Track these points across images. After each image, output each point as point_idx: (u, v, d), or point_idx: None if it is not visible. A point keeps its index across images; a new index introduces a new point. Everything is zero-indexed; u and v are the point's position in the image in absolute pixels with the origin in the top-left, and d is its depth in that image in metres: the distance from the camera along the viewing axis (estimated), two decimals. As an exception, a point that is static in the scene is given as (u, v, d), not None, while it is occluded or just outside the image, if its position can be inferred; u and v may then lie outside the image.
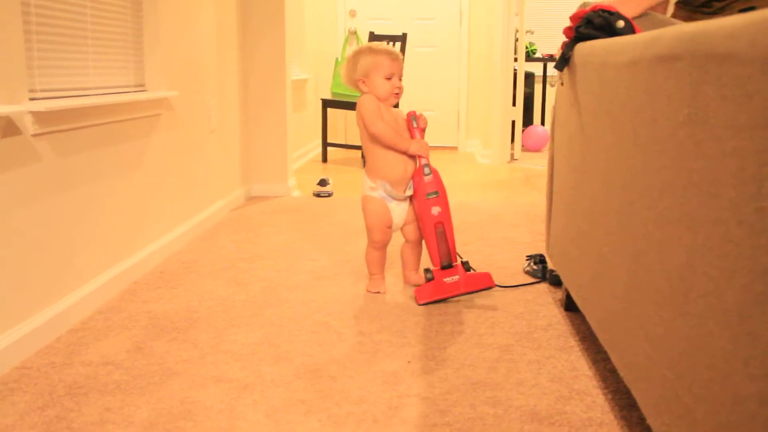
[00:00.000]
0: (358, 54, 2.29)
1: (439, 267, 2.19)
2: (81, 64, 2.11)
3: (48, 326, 1.83)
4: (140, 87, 2.54)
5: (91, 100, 2.03)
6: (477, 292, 2.20)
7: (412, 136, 2.29)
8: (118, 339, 1.86)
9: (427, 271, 2.20)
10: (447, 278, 2.17)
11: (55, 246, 1.90)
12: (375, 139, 2.23)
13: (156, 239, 2.59)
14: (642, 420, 1.43)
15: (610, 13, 1.69)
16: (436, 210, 2.19)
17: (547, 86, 6.75)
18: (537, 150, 6.23)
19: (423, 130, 2.31)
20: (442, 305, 2.14)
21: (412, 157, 2.26)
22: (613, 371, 1.67)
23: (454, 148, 6.67)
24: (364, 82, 2.28)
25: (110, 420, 1.43)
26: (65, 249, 1.95)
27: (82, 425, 1.41)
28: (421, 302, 2.15)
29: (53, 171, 1.88)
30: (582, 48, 1.74)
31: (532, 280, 2.41)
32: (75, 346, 1.81)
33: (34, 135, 1.79)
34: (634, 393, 1.26)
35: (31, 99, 1.81)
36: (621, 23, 1.66)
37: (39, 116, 1.78)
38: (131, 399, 1.52)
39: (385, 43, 2.30)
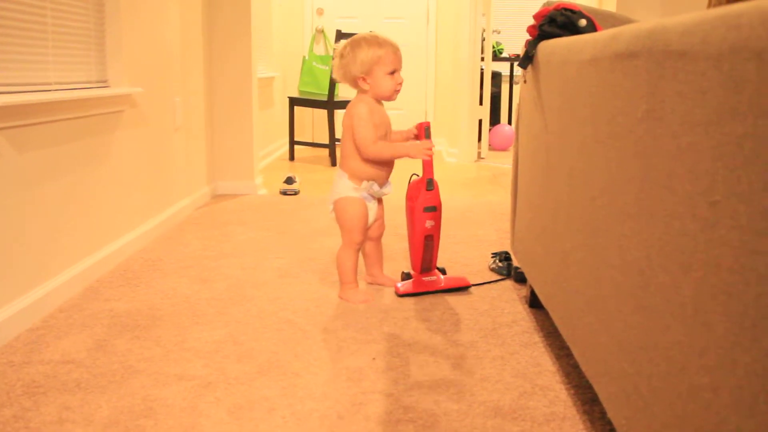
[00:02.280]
0: (357, 47, 2.08)
1: (418, 272, 2.25)
2: (41, 59, 2.07)
3: (7, 324, 1.80)
4: (102, 83, 2.50)
5: (51, 96, 1.99)
6: (453, 290, 2.24)
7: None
8: (79, 337, 1.83)
9: (407, 274, 2.27)
10: (426, 277, 2.24)
11: (15, 243, 1.87)
12: (374, 151, 2.10)
13: (119, 237, 2.56)
14: (604, 414, 1.45)
15: (573, 11, 1.71)
16: (429, 224, 2.19)
17: (514, 85, 6.81)
18: (504, 149, 6.27)
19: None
20: (408, 303, 2.14)
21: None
22: (576, 366, 1.69)
23: (422, 147, 6.68)
24: (364, 79, 2.09)
25: (69, 419, 1.41)
26: (25, 246, 1.92)
27: (39, 425, 1.38)
28: (402, 293, 2.18)
29: (12, 167, 1.85)
30: (545, 46, 1.76)
31: (497, 277, 2.43)
32: (34, 345, 1.78)
33: (-8, 130, 1.75)
34: (596, 387, 1.27)
35: (-11, 93, 1.77)
36: (583, 22, 1.68)
37: (-3, 111, 1.75)
38: (91, 398, 1.50)
39: (372, 32, 2.16)
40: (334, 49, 2.18)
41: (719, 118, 0.77)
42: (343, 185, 2.16)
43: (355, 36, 2.15)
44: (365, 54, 2.07)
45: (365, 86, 2.11)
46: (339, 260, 2.20)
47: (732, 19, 0.74)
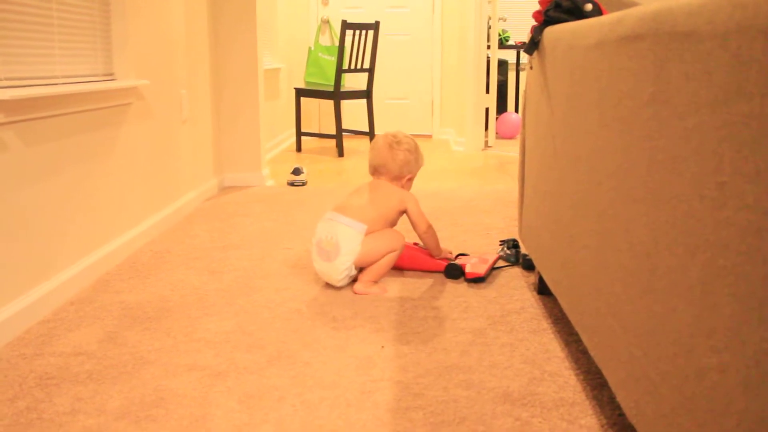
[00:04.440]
0: (419, 153, 2.36)
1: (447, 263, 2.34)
2: (47, 52, 2.08)
3: (18, 317, 1.81)
4: (109, 76, 2.51)
5: (58, 89, 2.00)
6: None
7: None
8: (90, 329, 1.84)
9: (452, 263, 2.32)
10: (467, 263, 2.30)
11: (25, 237, 1.88)
12: (426, 230, 2.28)
13: (128, 230, 2.57)
14: (612, 399, 1.45)
15: (578, -4, 1.70)
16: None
17: (521, 73, 6.78)
18: (511, 137, 6.26)
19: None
20: (416, 291, 2.15)
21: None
22: (585, 352, 1.69)
23: (429, 136, 6.68)
24: (410, 179, 2.35)
25: (81, 410, 1.42)
26: (35, 240, 1.93)
27: (53, 415, 1.40)
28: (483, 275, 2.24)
29: (20, 161, 1.86)
30: (551, 32, 1.75)
31: (506, 264, 2.42)
32: (46, 337, 1.79)
33: (0, 124, 1.76)
34: (604, 372, 1.27)
35: (-4, 88, 1.78)
36: (589, 6, 1.67)
37: (4, 105, 1.75)
38: (103, 388, 1.51)
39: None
40: (394, 136, 2.35)
41: (726, 98, 0.76)
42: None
43: (413, 144, 2.38)
44: (418, 162, 2.38)
45: (406, 185, 2.36)
46: (386, 262, 2.20)
47: (737, -2, 0.74)
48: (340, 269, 2.12)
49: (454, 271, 2.26)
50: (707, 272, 0.81)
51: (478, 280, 2.21)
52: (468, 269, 2.23)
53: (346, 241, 2.11)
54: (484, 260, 2.31)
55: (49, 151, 2.00)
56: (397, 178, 2.32)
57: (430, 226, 2.30)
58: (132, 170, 2.61)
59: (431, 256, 2.34)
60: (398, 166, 2.30)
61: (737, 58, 0.74)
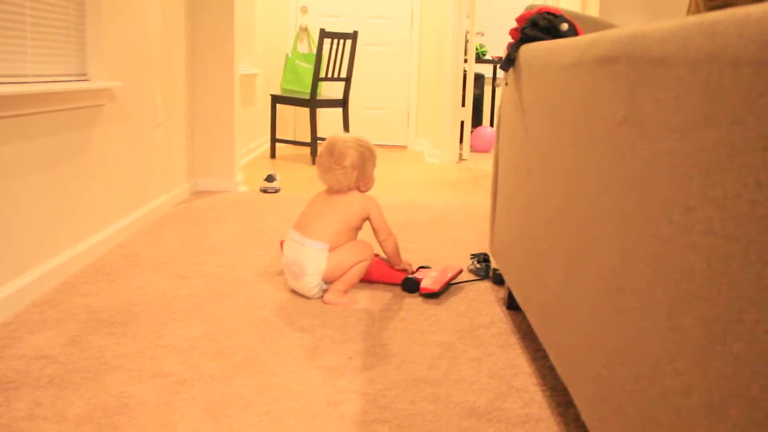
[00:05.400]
0: (366, 156, 2.27)
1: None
2: (19, 50, 2.05)
3: (-21, 319, 1.78)
4: (82, 76, 2.48)
5: (29, 88, 1.97)
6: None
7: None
8: (54, 332, 1.81)
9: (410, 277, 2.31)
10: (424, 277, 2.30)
11: (-11, 236, 1.84)
12: (386, 238, 2.27)
13: (97, 232, 2.53)
14: (578, 417, 1.46)
15: (555, 15, 1.72)
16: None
17: (497, 88, 6.83)
18: (485, 151, 6.30)
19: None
20: (386, 303, 2.15)
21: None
22: (552, 369, 1.70)
23: (404, 147, 6.70)
24: (366, 181, 2.30)
25: (41, 415, 1.39)
26: (1, 239, 1.90)
27: (10, 420, 1.37)
28: (437, 290, 2.22)
29: (-12, 159, 1.83)
30: (527, 49, 1.77)
31: (476, 278, 2.43)
32: (7, 340, 1.76)
33: (-32, 121, 1.73)
34: (570, 390, 1.28)
35: (-34, 84, 1.75)
36: (565, 26, 1.69)
37: (-27, 102, 1.73)
38: (64, 394, 1.49)
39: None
40: (331, 153, 2.26)
41: (695, 124, 0.78)
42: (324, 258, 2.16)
43: (350, 142, 2.28)
44: (373, 158, 2.32)
45: (365, 186, 2.32)
46: (355, 272, 2.20)
47: (709, 26, 0.75)
48: (309, 287, 2.15)
49: (411, 285, 2.26)
50: (673, 295, 0.82)
51: (432, 295, 2.21)
52: (423, 284, 2.22)
53: (310, 263, 2.12)
54: (443, 274, 2.30)
55: (18, 151, 1.97)
56: (351, 189, 2.27)
57: (391, 234, 2.29)
58: (103, 172, 2.58)
59: (391, 268, 2.33)
60: (344, 184, 2.24)
61: (707, 86, 0.75)
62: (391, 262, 2.32)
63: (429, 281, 2.23)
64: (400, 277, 2.30)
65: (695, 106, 0.78)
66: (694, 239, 0.77)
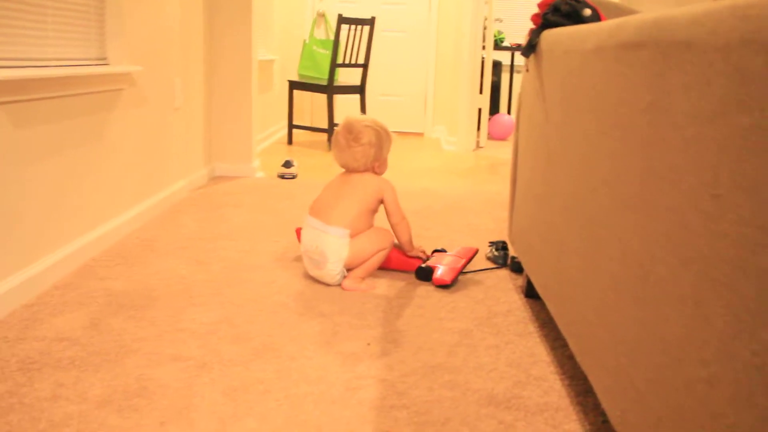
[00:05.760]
0: (383, 138, 2.27)
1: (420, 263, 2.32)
2: (40, 33, 2.05)
3: (2, 301, 1.79)
4: (102, 60, 2.49)
5: (50, 71, 1.98)
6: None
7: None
8: (74, 315, 1.83)
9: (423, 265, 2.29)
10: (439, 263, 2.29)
11: (11, 219, 1.86)
12: (399, 221, 2.25)
13: (116, 216, 2.55)
14: (597, 405, 1.45)
15: (577, 0, 1.70)
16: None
17: (514, 75, 6.79)
18: (502, 138, 6.27)
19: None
20: (404, 290, 2.14)
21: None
22: (571, 357, 1.69)
23: (420, 134, 6.68)
24: (381, 164, 2.30)
25: (63, 396, 1.41)
26: (21, 223, 1.91)
27: (33, 401, 1.38)
28: (449, 282, 2.20)
29: (9, 143, 1.84)
30: (548, 35, 1.75)
31: (494, 266, 2.43)
32: (29, 321, 1.77)
33: (-10, 105, 1.74)
34: (591, 379, 1.27)
35: (-12, 68, 1.76)
36: (588, 11, 1.67)
37: (-5, 86, 1.74)
38: (85, 375, 1.50)
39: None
40: (350, 131, 2.26)
41: (725, 110, 0.76)
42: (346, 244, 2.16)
43: (367, 121, 2.29)
44: (389, 141, 2.32)
45: (380, 169, 2.32)
46: (375, 260, 2.21)
47: (741, 10, 0.73)
48: (331, 275, 2.14)
49: (425, 274, 2.24)
50: (700, 284, 0.81)
51: (444, 286, 2.19)
52: (437, 274, 2.20)
53: (331, 250, 2.12)
54: (457, 260, 2.29)
55: (39, 134, 1.98)
56: (367, 169, 2.28)
57: (404, 218, 2.27)
58: (122, 157, 2.59)
59: (405, 255, 2.32)
60: (361, 162, 2.25)
61: (738, 70, 0.74)
62: (403, 248, 2.31)
63: (442, 271, 2.22)
64: (414, 265, 2.30)
65: (726, 92, 0.76)
66: (723, 228, 0.76)
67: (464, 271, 2.32)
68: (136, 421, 1.33)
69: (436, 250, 2.42)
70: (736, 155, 0.74)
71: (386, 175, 2.39)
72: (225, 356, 1.63)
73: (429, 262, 2.28)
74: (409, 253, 2.31)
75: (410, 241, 2.30)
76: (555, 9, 1.75)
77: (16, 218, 1.88)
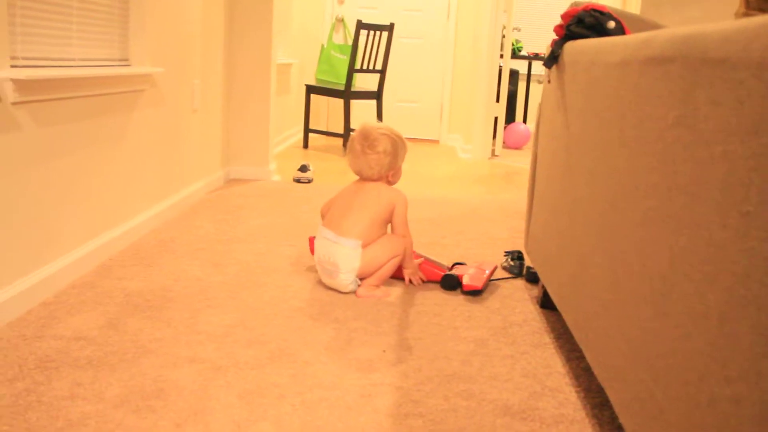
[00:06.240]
0: (398, 147, 2.27)
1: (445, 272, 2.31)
2: (65, 33, 2.07)
3: (20, 298, 1.81)
4: (124, 61, 2.50)
5: (74, 71, 2.00)
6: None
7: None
8: (91, 314, 1.84)
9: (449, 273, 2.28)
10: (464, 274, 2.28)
11: (31, 218, 1.87)
12: (399, 240, 2.21)
13: (133, 216, 2.56)
14: (613, 419, 1.45)
15: (602, 13, 1.70)
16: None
17: (531, 84, 6.78)
18: (518, 147, 6.26)
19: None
20: (419, 297, 2.14)
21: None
22: (587, 369, 1.69)
23: (436, 142, 6.68)
24: (395, 173, 2.30)
25: (80, 395, 1.41)
26: (40, 221, 1.92)
27: (51, 399, 1.39)
28: (480, 287, 2.20)
29: (32, 141, 1.85)
30: (572, 47, 1.75)
31: (509, 275, 2.42)
32: (47, 320, 1.78)
33: (14, 103, 1.76)
34: (608, 392, 1.27)
35: (12, 66, 1.78)
36: (612, 24, 1.67)
37: (20, 84, 1.75)
38: (103, 375, 1.51)
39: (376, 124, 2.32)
40: (366, 138, 2.25)
41: (756, 129, 0.76)
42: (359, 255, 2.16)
43: (383, 129, 2.28)
44: (404, 150, 2.32)
45: (394, 178, 2.32)
46: (388, 267, 2.19)
47: (775, 28, 0.73)
48: (344, 284, 2.14)
49: (451, 282, 2.24)
50: (726, 301, 0.81)
51: (475, 293, 2.20)
52: (466, 281, 2.21)
53: (344, 261, 2.12)
54: (482, 270, 2.28)
55: (60, 133, 2.00)
56: (381, 177, 2.27)
57: (406, 235, 2.23)
58: (141, 157, 2.60)
59: (432, 264, 2.30)
60: (376, 170, 2.24)
61: (772, 88, 0.73)
62: (403, 263, 2.26)
63: (470, 278, 2.21)
64: (438, 275, 2.28)
65: (756, 110, 0.76)
66: (750, 244, 0.76)
67: (490, 279, 2.32)
68: (153, 422, 1.34)
69: (456, 263, 2.40)
70: (766, 173, 0.73)
71: (401, 182, 2.38)
72: (241, 359, 1.63)
73: (452, 272, 2.26)
74: (405, 269, 2.26)
75: (410, 256, 2.25)
76: (579, 20, 1.75)
77: (35, 216, 1.90)
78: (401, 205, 2.22)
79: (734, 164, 0.81)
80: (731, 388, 0.79)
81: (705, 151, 0.89)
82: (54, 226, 2.00)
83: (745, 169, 0.78)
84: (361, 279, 2.17)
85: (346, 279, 2.12)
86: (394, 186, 2.31)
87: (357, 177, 2.31)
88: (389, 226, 2.25)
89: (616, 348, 1.22)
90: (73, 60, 2.13)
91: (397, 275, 2.29)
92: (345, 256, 2.11)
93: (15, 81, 1.73)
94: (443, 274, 2.26)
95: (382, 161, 2.23)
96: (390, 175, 2.28)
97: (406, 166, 2.29)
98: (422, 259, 2.31)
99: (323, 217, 2.29)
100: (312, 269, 2.35)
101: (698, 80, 0.92)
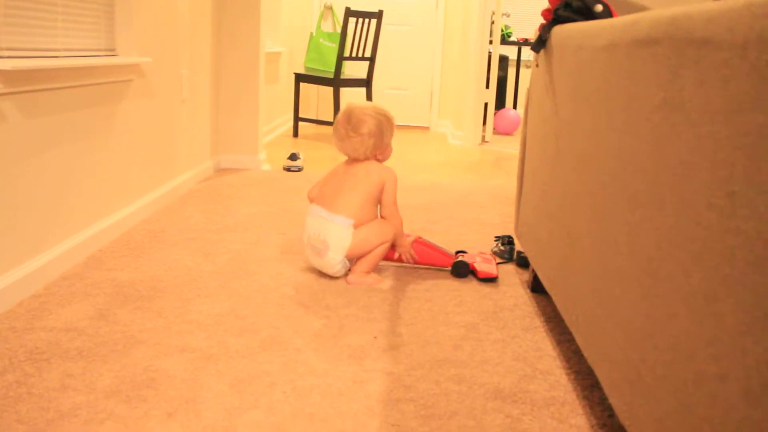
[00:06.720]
0: (384, 125, 2.24)
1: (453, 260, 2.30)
2: (50, 24, 2.06)
3: (9, 291, 1.80)
4: (111, 51, 2.49)
5: (60, 62, 1.98)
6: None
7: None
8: (82, 306, 1.83)
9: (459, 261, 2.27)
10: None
11: (19, 209, 1.86)
12: (391, 214, 2.21)
13: (122, 207, 2.55)
14: (603, 400, 1.46)
15: (589, -4, 1.69)
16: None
17: (521, 70, 6.78)
18: (508, 133, 6.26)
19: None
20: (410, 283, 2.15)
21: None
22: (577, 352, 1.69)
23: (426, 128, 6.68)
24: (384, 151, 2.27)
25: (71, 386, 1.41)
26: (30, 214, 1.91)
27: (42, 391, 1.39)
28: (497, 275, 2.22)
29: (18, 133, 1.84)
30: (560, 30, 1.75)
31: (500, 260, 2.43)
32: (37, 312, 1.78)
33: (0, 95, 1.74)
34: (597, 373, 1.28)
35: (-2, 57, 1.76)
36: (599, 7, 1.67)
37: (5, 75, 1.74)
38: (93, 366, 1.50)
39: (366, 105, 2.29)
40: (348, 121, 2.23)
41: (741, 108, 0.76)
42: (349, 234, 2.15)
43: (368, 109, 2.25)
44: (392, 127, 2.30)
45: (382, 156, 2.29)
46: (378, 253, 2.18)
47: (758, 8, 0.73)
48: (332, 264, 2.13)
49: (462, 269, 2.23)
50: (712, 279, 0.81)
51: (490, 279, 2.20)
52: (481, 268, 2.20)
53: (334, 238, 2.11)
54: (487, 259, 2.29)
55: (47, 125, 1.98)
56: (368, 158, 2.25)
57: (396, 213, 2.22)
58: (130, 148, 2.59)
59: (441, 252, 2.29)
60: (361, 152, 2.22)
61: (756, 68, 0.73)
62: (394, 241, 2.24)
63: (484, 265, 2.22)
64: (448, 262, 2.27)
65: (741, 89, 0.76)
66: (736, 224, 0.76)
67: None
68: (145, 411, 1.34)
69: (459, 252, 2.38)
70: (752, 153, 0.74)
71: (391, 162, 2.36)
72: (232, 348, 1.63)
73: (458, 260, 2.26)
74: (398, 249, 2.26)
75: (402, 236, 2.25)
76: (566, 5, 1.75)
77: (24, 208, 1.89)
78: (391, 182, 2.21)
79: (719, 144, 0.81)
80: (717, 366, 0.79)
81: (691, 132, 0.90)
82: (43, 218, 1.99)
83: (730, 149, 0.79)
84: (349, 260, 2.17)
85: (334, 258, 2.12)
86: (384, 163, 2.30)
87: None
88: (380, 207, 2.24)
89: (605, 329, 1.23)
90: (59, 50, 2.11)
91: (388, 257, 2.29)
92: (336, 234, 2.11)
93: (0, 72, 1.72)
94: (453, 261, 2.25)
95: (367, 143, 2.21)
96: (378, 153, 2.26)
97: (396, 153, 2.29)
98: (414, 237, 2.30)
99: (311, 200, 2.28)
100: (303, 257, 2.34)
101: (684, 61, 0.92)
